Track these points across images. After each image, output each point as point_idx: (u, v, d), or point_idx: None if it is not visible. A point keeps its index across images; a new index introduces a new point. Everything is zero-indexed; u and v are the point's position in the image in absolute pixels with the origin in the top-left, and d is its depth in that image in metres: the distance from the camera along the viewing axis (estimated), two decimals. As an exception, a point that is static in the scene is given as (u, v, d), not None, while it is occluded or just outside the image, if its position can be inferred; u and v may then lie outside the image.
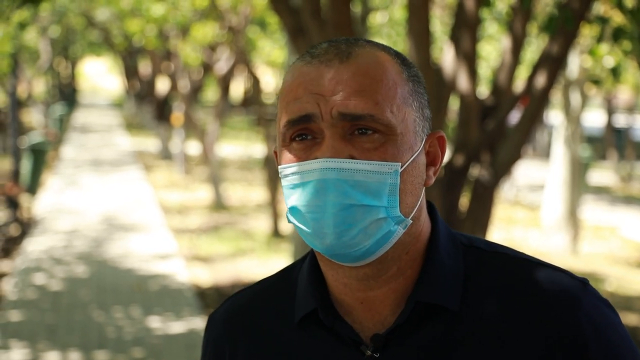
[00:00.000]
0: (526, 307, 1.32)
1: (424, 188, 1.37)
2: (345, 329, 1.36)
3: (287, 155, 1.32)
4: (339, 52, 1.31)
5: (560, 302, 1.31)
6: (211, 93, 36.98)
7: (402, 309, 1.34)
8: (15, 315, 7.85)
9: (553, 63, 5.34)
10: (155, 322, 7.68)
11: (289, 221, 1.34)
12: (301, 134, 1.30)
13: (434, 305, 1.33)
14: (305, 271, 1.44)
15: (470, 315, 1.33)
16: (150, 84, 24.95)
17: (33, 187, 13.43)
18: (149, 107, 25.93)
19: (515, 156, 5.63)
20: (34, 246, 10.90)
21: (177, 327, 7.48)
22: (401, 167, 1.28)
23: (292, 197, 1.30)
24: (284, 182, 1.32)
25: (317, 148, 1.29)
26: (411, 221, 1.32)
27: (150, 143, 24.97)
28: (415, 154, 1.32)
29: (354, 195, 1.26)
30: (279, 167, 1.34)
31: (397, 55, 1.36)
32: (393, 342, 1.34)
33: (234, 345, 1.48)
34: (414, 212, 1.33)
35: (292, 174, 1.30)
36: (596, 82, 7.86)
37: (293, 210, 1.31)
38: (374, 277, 1.34)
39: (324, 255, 1.32)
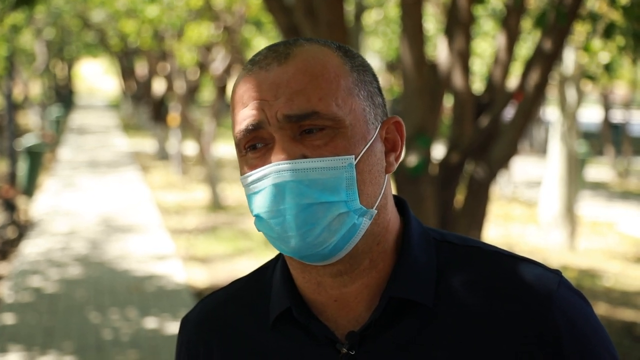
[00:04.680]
0: (500, 301, 1.32)
1: (387, 176, 1.36)
2: (320, 328, 1.35)
3: (244, 166, 1.33)
4: (277, 55, 1.32)
5: (534, 295, 1.31)
6: (207, 93, 36.96)
7: (376, 305, 1.34)
8: (11, 318, 7.84)
9: (546, 59, 5.34)
10: (152, 323, 7.67)
11: (258, 229, 1.33)
12: (253, 144, 1.31)
13: (407, 301, 1.33)
14: (279, 272, 1.44)
15: (444, 310, 1.33)
16: (146, 85, 24.93)
17: (30, 189, 13.42)
18: (145, 107, 25.91)
19: (510, 152, 5.63)
20: (30, 248, 10.89)
21: (174, 328, 7.46)
22: (355, 159, 1.28)
23: (254, 206, 1.31)
24: (246, 192, 1.33)
25: (270, 154, 1.29)
26: (376, 211, 1.31)
27: (147, 144, 24.96)
28: (369, 143, 1.31)
29: (311, 194, 1.25)
30: (241, 177, 1.34)
31: (339, 48, 1.36)
32: (368, 339, 1.34)
33: (208, 347, 1.47)
34: (378, 201, 1.32)
35: (251, 182, 1.30)
36: (591, 78, 7.86)
37: (257, 217, 1.31)
38: (347, 272, 1.33)
39: (293, 257, 1.32)
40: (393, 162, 1.37)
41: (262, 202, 1.28)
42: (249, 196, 1.32)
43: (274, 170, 1.26)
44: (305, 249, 1.27)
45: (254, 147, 1.31)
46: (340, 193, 1.26)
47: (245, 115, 1.30)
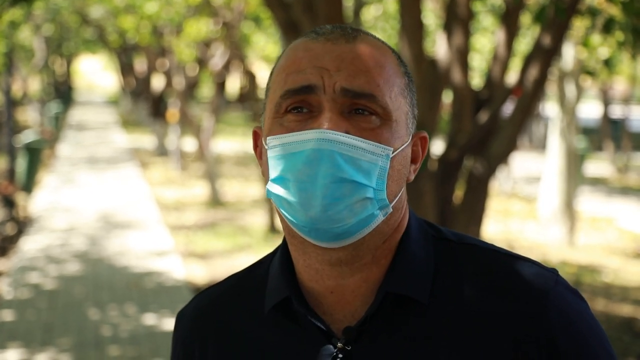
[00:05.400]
0: (496, 300, 1.31)
1: (405, 183, 1.38)
2: (316, 321, 1.35)
3: (279, 127, 1.31)
4: (345, 34, 1.34)
5: (530, 293, 1.31)
6: (207, 89, 36.96)
7: (373, 299, 1.34)
8: (10, 315, 7.83)
9: (546, 55, 5.33)
10: (151, 320, 7.67)
11: (269, 194, 1.32)
12: (297, 106, 1.30)
13: (404, 297, 1.33)
14: (277, 263, 1.43)
15: (440, 307, 1.33)
16: (145, 81, 24.90)
17: (29, 186, 13.41)
18: (144, 104, 25.90)
19: (509, 148, 5.62)
20: (30, 245, 10.88)
21: (173, 324, 7.44)
22: (392, 153, 1.29)
23: (280, 167, 1.29)
24: (272, 153, 1.30)
25: (312, 121, 1.29)
26: (392, 209, 1.32)
27: (146, 140, 24.94)
28: (405, 145, 1.33)
29: (346, 170, 1.25)
30: (269, 137, 1.32)
31: (394, 50, 1.39)
32: (365, 335, 1.33)
33: (204, 343, 1.47)
34: (395, 201, 1.33)
35: (284, 144, 1.29)
36: (590, 73, 7.85)
37: (279, 179, 1.29)
38: (347, 263, 1.33)
39: (301, 231, 1.30)
40: (412, 172, 1.39)
41: (293, 165, 1.27)
42: (276, 157, 1.30)
43: (320, 136, 1.25)
44: (323, 222, 1.26)
45: (297, 110, 1.30)
46: (371, 179, 1.27)
47: (301, 77, 1.30)
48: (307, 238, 1.31)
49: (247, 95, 34.20)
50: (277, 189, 1.30)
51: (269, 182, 1.32)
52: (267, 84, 1.39)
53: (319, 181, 1.25)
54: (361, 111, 1.29)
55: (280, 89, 1.32)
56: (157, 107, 21.67)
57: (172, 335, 1.56)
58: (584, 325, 1.31)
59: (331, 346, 1.34)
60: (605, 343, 1.33)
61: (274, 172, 1.30)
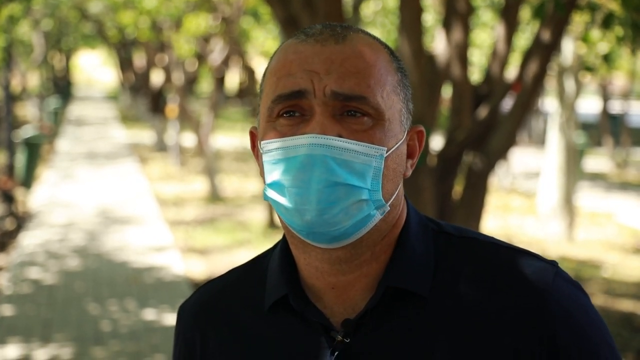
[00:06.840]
0: (496, 293, 1.32)
1: (402, 179, 1.38)
2: (316, 315, 1.36)
3: (272, 131, 1.32)
4: (335, 34, 1.33)
5: (530, 287, 1.31)
6: (206, 84, 36.93)
7: (373, 293, 1.34)
8: (10, 310, 7.84)
9: (545, 50, 5.33)
10: (150, 315, 7.68)
11: (266, 198, 1.33)
12: (289, 110, 1.30)
13: (404, 291, 1.34)
14: (277, 258, 1.43)
15: (441, 301, 1.33)
16: (144, 76, 24.89)
17: (28, 181, 13.41)
18: (143, 99, 25.87)
19: (508, 144, 5.62)
20: (29, 240, 10.88)
21: (173, 319, 7.44)
22: (386, 153, 1.29)
23: (275, 172, 1.29)
24: (266, 158, 1.31)
25: (304, 125, 1.29)
26: (389, 208, 1.32)
27: (145, 135, 24.93)
28: (399, 143, 1.33)
29: (340, 174, 1.26)
30: (262, 142, 1.32)
31: (386, 46, 1.38)
32: (364, 328, 1.34)
33: (205, 336, 1.48)
34: (392, 199, 1.33)
35: (277, 149, 1.29)
36: (589, 68, 7.85)
37: (274, 185, 1.30)
38: (346, 261, 1.34)
39: (299, 234, 1.31)
40: (409, 168, 1.39)
41: (287, 170, 1.27)
42: (271, 162, 1.30)
43: (310, 141, 1.26)
44: (319, 226, 1.27)
45: (289, 114, 1.30)
46: (366, 180, 1.27)
47: (291, 82, 1.30)
48: (306, 240, 1.32)
49: (246, 91, 34.17)
50: (274, 194, 1.31)
51: (266, 186, 1.33)
52: (260, 86, 1.39)
53: (313, 186, 1.25)
54: (353, 113, 1.29)
55: (272, 92, 1.32)
56: (156, 102, 21.65)
57: (174, 330, 1.57)
58: (584, 318, 1.32)
59: (330, 339, 1.35)
60: (606, 336, 1.33)
61: (269, 177, 1.31)
